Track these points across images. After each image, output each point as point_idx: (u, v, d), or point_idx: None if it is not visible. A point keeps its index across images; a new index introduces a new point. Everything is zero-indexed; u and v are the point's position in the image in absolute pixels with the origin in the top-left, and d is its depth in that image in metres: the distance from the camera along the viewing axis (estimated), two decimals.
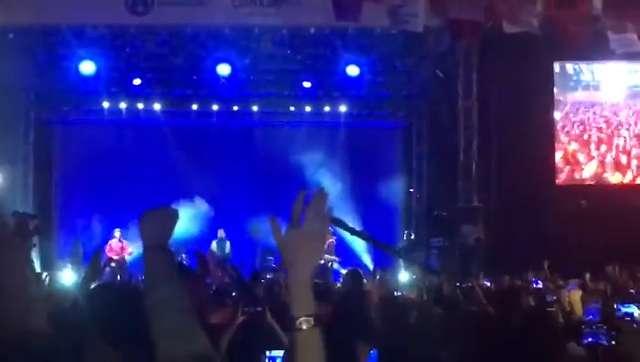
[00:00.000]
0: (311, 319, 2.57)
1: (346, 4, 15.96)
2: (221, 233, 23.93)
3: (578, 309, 10.10)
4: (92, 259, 7.12)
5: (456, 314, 9.01)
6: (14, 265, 2.38)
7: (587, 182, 23.09)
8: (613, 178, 23.11)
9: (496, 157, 22.88)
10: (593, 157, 23.18)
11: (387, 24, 17.93)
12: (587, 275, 14.77)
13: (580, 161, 23.22)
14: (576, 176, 23.20)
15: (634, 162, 23.08)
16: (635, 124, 23.15)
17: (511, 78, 21.36)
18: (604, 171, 23.08)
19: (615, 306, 9.70)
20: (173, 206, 3.35)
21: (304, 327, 2.56)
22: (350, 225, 2.77)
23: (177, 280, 3.19)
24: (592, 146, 23.25)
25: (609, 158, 23.11)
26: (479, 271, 19.17)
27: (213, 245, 23.61)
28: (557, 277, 15.44)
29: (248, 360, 6.79)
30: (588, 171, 23.19)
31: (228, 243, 23.88)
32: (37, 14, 20.28)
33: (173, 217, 3.29)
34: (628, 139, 23.12)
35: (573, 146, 23.25)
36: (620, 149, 23.15)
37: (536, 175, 22.08)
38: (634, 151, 23.10)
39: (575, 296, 10.61)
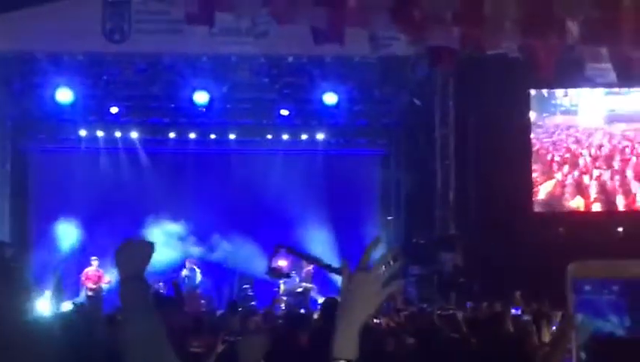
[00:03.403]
0: None
1: (326, 29, 15.93)
2: (189, 263, 23.33)
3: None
4: (53, 280, 7.06)
5: (434, 343, 8.98)
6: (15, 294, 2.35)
7: (540, 205, 23.06)
8: (574, 202, 22.98)
9: (473, 184, 22.93)
10: (552, 178, 23.08)
11: (368, 49, 17.99)
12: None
13: (537, 181, 23.14)
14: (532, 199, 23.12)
15: (593, 184, 22.94)
16: (608, 144, 22.99)
17: (488, 105, 21.47)
18: (562, 194, 22.98)
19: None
20: (149, 237, 3.38)
21: None
22: (325, 261, 2.77)
23: (153, 312, 3.21)
24: (555, 166, 23.17)
25: (570, 180, 23.02)
26: (458, 299, 19.19)
27: (184, 273, 23.09)
28: (534, 304, 15.40)
29: None
30: (543, 191, 23.11)
31: (198, 272, 23.37)
32: (12, 41, 20.28)
33: (149, 249, 3.33)
34: (588, 158, 23.00)
35: (533, 167, 23.16)
36: (583, 170, 23.03)
37: (513, 202, 22.12)
38: (595, 173, 22.98)
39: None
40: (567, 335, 1.92)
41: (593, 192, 22.91)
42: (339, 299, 2.66)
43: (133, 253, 3.27)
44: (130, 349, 3.07)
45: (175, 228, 23.44)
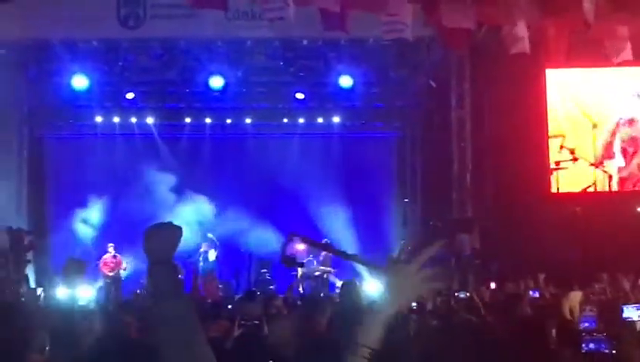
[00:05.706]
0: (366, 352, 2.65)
1: (333, 15, 15.90)
2: (204, 246, 23.18)
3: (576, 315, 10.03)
4: (64, 269, 7.04)
5: (452, 325, 8.97)
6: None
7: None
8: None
9: (490, 166, 22.83)
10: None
11: (378, 33, 17.93)
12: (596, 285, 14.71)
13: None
14: None
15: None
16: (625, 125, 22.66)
17: (504, 87, 21.32)
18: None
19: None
20: (174, 221, 3.38)
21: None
22: (341, 249, 2.81)
23: (183, 295, 3.28)
24: None
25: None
26: (476, 281, 19.18)
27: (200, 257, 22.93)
28: (552, 287, 15.36)
29: None
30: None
31: (213, 255, 23.25)
32: (28, 29, 20.26)
33: (178, 233, 3.34)
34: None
35: None
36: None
37: (530, 183, 21.99)
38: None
39: (574, 301, 10.53)
40: None
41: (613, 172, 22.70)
42: (375, 289, 2.76)
43: (162, 237, 3.29)
44: (161, 332, 3.12)
45: (192, 213, 23.47)
